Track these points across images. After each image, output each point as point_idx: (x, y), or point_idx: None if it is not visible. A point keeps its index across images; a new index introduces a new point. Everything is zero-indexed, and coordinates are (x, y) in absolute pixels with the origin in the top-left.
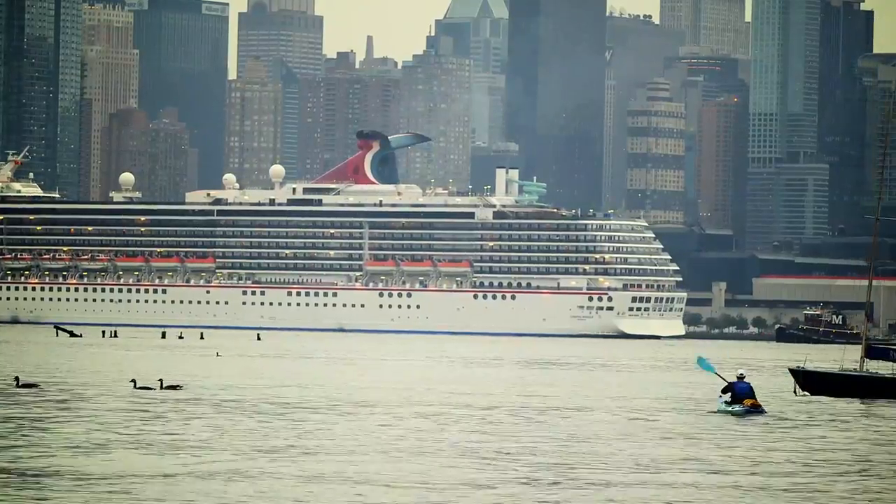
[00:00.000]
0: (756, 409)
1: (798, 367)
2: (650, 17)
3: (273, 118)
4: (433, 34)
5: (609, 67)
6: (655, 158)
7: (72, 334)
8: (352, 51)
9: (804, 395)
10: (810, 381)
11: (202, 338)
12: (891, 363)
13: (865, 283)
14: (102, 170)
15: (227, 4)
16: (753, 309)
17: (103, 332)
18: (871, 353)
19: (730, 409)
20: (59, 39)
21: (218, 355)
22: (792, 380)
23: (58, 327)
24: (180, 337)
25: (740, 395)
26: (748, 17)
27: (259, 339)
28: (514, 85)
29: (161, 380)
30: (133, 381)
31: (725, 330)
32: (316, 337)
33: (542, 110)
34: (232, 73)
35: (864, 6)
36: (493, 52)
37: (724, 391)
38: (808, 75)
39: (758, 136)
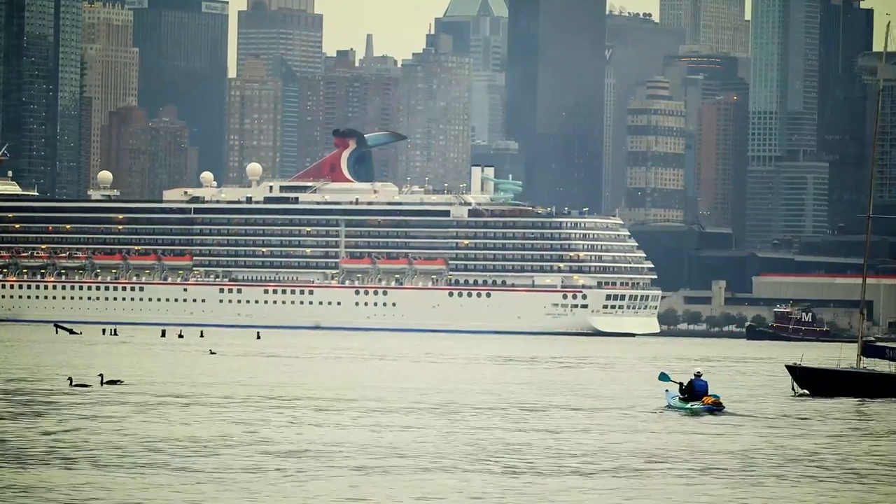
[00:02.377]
0: (717, 407)
1: (795, 364)
2: (650, 15)
3: (273, 116)
4: (433, 32)
5: (609, 66)
6: (655, 157)
7: (71, 332)
8: (351, 49)
9: (804, 393)
10: (810, 380)
11: (202, 336)
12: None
13: (867, 281)
14: (102, 168)
15: (227, 3)
16: (753, 307)
17: (103, 330)
18: (868, 351)
19: (688, 406)
20: (58, 38)
21: (212, 353)
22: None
23: (58, 325)
24: (180, 336)
25: (698, 393)
26: (748, 15)
27: (259, 337)
28: (514, 83)
29: (101, 375)
30: (69, 378)
31: (725, 328)
32: (296, 334)
33: (542, 108)
34: (232, 72)
35: (863, 4)
36: (493, 51)
37: (682, 391)
38: (807, 74)
39: (757, 134)
